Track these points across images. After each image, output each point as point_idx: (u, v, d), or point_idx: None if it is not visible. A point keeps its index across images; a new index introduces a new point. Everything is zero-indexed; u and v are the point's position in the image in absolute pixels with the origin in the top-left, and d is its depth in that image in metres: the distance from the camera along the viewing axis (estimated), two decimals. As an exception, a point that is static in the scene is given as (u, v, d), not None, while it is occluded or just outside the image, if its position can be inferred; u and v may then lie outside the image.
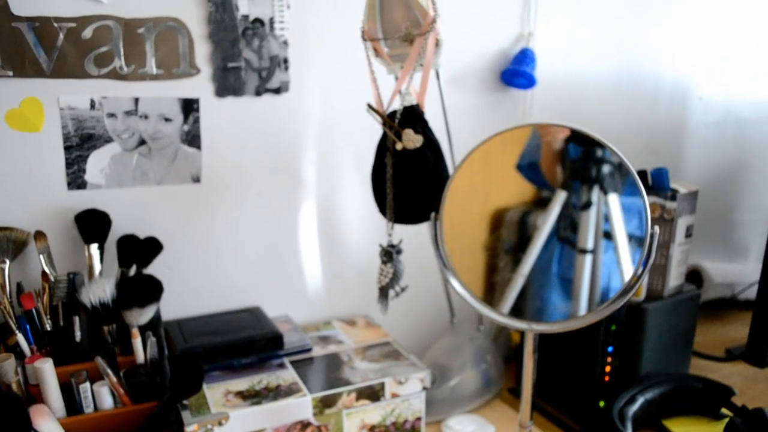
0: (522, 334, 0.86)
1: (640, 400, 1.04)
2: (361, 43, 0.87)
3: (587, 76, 1.36)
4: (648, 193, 0.84)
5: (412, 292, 0.96)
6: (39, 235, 0.93)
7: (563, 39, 1.30)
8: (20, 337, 0.87)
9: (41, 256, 0.92)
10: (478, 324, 1.21)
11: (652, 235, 0.75)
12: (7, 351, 0.86)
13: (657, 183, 1.09)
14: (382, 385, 0.94)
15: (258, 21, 1.02)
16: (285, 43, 1.05)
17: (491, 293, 0.86)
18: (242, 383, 0.93)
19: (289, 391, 0.91)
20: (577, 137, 0.81)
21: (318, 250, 1.17)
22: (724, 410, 1.06)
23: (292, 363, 1.00)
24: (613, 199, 0.80)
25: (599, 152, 0.79)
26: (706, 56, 1.51)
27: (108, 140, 0.98)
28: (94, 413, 0.84)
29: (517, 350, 1.28)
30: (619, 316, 1.03)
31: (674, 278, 1.11)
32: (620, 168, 0.78)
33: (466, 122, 1.18)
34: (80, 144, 0.96)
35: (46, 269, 0.92)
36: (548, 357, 1.11)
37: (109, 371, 0.85)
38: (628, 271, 0.78)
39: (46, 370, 0.81)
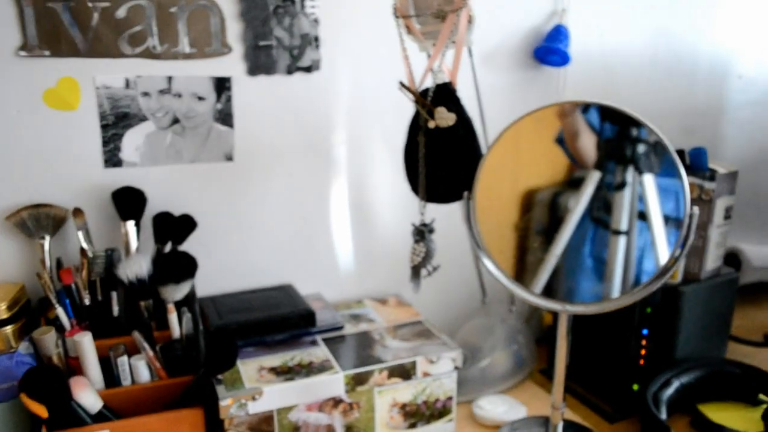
0: (555, 315, 0.85)
1: (675, 384, 1.02)
2: (393, 20, 0.86)
3: (622, 54, 1.33)
4: (686, 173, 0.82)
5: (444, 271, 0.96)
6: (77, 211, 0.95)
7: (598, 15, 1.27)
8: (60, 311, 0.89)
9: (79, 233, 0.94)
10: (510, 304, 1.20)
11: (691, 216, 0.73)
12: (48, 324, 0.88)
13: (695, 163, 1.07)
14: (414, 363, 0.94)
15: (289, -1, 1.01)
16: (316, 21, 1.04)
17: (523, 273, 0.85)
18: (275, 359, 0.94)
19: (322, 368, 0.92)
20: (612, 116, 0.79)
21: (349, 228, 1.17)
22: (761, 396, 1.04)
23: (324, 340, 1.00)
24: (649, 180, 0.78)
25: (634, 131, 0.78)
26: (745, 33, 1.46)
27: (143, 119, 0.99)
28: (131, 386, 0.86)
29: (549, 331, 1.27)
30: (654, 298, 1.01)
31: (712, 261, 1.09)
32: (656, 147, 0.76)
33: (498, 100, 1.16)
34: (116, 122, 0.97)
35: (85, 245, 0.94)
36: (581, 338, 1.10)
37: (146, 345, 0.87)
38: (663, 253, 0.76)
39: (86, 343, 0.83)
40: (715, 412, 1.02)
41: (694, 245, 1.08)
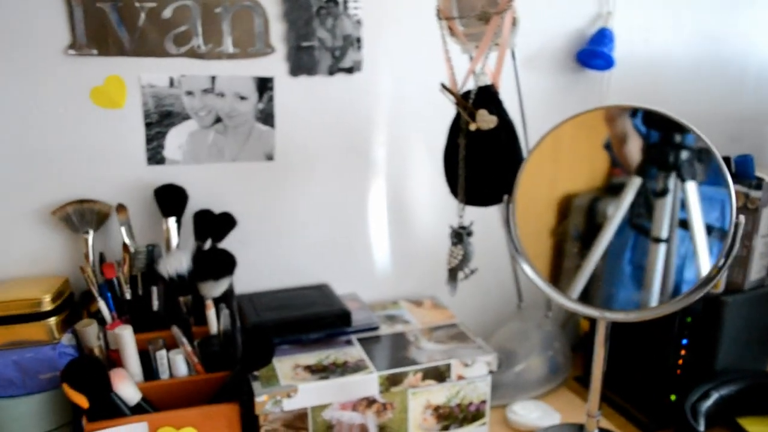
0: (592, 321, 0.84)
1: (714, 396, 1.00)
2: (436, 21, 0.86)
3: (668, 58, 1.30)
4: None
5: (480, 274, 0.95)
6: (120, 207, 0.97)
7: (643, 18, 1.24)
8: (102, 304, 0.91)
9: (122, 228, 0.96)
10: (546, 310, 1.19)
11: (737, 225, 0.71)
12: (90, 317, 0.90)
13: (741, 170, 1.04)
14: (448, 366, 0.94)
15: (331, 0, 1.02)
16: (358, 22, 1.04)
17: (561, 279, 0.84)
18: (310, 358, 0.95)
19: (356, 368, 0.92)
20: (656, 121, 0.77)
21: (387, 229, 1.17)
22: (804, 411, 1.02)
23: (360, 340, 1.01)
24: (691, 187, 0.77)
25: (678, 137, 0.76)
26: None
27: (186, 117, 1.00)
28: (169, 380, 0.87)
29: (585, 338, 1.25)
30: (695, 307, 0.99)
31: (756, 271, 1.06)
32: (701, 154, 0.74)
33: (540, 104, 1.15)
34: (159, 121, 0.99)
35: (127, 241, 0.96)
36: (617, 346, 1.08)
37: (185, 340, 0.88)
38: (705, 263, 0.75)
39: (126, 336, 0.85)
40: (755, 426, 1.00)
41: (738, 255, 1.05)
